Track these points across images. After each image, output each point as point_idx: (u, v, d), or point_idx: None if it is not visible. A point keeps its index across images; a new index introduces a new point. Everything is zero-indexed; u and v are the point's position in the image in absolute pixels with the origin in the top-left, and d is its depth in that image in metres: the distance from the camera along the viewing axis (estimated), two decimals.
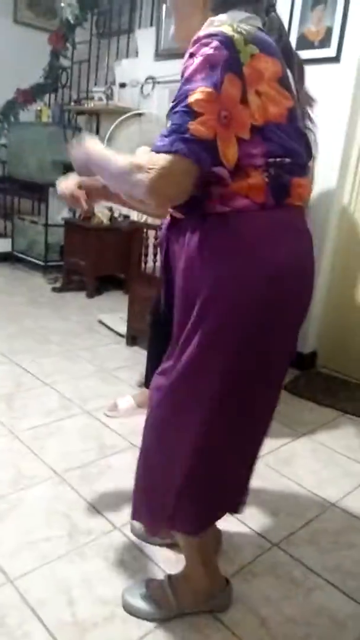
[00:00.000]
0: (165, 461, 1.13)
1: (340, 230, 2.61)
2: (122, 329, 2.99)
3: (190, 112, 0.86)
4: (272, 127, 0.93)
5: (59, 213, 4.31)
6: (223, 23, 0.92)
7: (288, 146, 0.95)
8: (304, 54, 2.42)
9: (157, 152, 0.88)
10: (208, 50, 0.87)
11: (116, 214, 3.89)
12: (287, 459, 1.94)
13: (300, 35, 2.45)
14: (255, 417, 1.10)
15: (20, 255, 4.50)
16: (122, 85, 3.86)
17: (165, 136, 0.88)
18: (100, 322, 3.26)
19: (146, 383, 2.10)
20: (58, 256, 4.26)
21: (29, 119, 4.55)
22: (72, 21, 4.10)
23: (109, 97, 3.90)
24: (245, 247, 0.95)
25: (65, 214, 4.23)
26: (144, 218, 2.81)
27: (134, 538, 1.47)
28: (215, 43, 0.87)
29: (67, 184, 1.23)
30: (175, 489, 1.12)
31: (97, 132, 4.30)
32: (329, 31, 2.35)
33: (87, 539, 1.46)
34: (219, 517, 1.23)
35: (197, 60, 0.87)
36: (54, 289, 3.92)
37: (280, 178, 0.95)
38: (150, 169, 0.87)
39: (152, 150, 0.90)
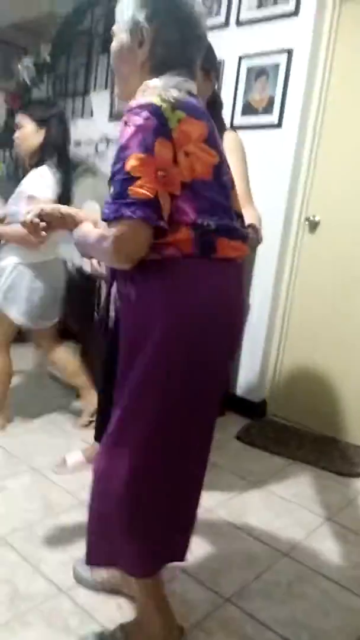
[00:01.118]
0: (106, 501, 1.16)
1: (291, 285, 2.72)
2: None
3: (129, 178, 0.95)
4: (199, 183, 1.03)
5: None
6: (154, 90, 1.01)
7: (215, 200, 1.05)
8: (249, 120, 2.61)
9: (107, 219, 0.98)
10: (139, 120, 0.96)
11: (69, 265, 3.90)
12: (239, 510, 1.91)
13: (245, 103, 2.63)
14: (191, 452, 1.16)
15: None
16: (77, 143, 3.98)
17: (111, 203, 0.98)
18: (51, 374, 3.19)
19: (96, 436, 2.04)
20: None
21: None
22: (29, 83, 4.25)
23: None
24: (172, 289, 1.05)
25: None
26: (100, 269, 2.83)
27: (80, 601, 1.39)
28: (145, 113, 0.96)
29: (30, 213, 1.25)
30: (119, 528, 1.15)
31: None
32: (271, 100, 2.54)
33: (29, 604, 1.37)
34: (165, 559, 1.23)
35: (130, 129, 0.97)
36: None
37: (206, 237, 1.04)
38: (108, 237, 0.99)
39: (102, 219, 1.00)
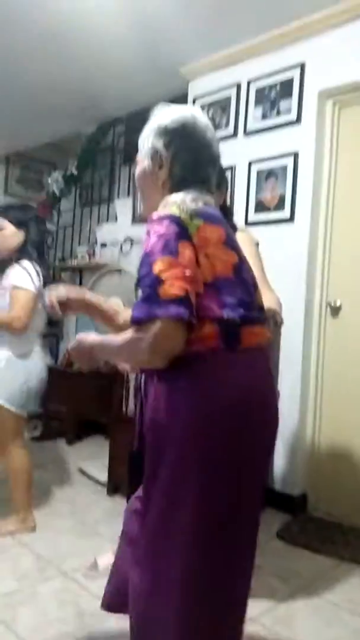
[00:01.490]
0: (153, 617, 1.12)
1: (319, 370, 2.70)
2: (103, 476, 2.88)
3: (158, 280, 1.01)
4: (222, 281, 1.09)
5: None
6: (173, 204, 1.10)
7: (237, 296, 1.10)
8: (262, 217, 2.76)
9: (139, 321, 1.02)
10: (161, 229, 1.05)
11: None
12: (285, 619, 1.77)
13: (257, 202, 2.80)
14: (235, 556, 1.10)
15: None
16: (103, 245, 4.24)
17: (141, 306, 1.02)
18: (81, 470, 3.14)
19: None
20: (39, 404, 4.22)
21: None
22: (57, 194, 4.63)
23: (91, 255, 4.26)
24: (198, 386, 1.06)
25: (47, 361, 4.30)
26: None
27: None
28: (166, 222, 1.06)
29: (52, 294, 1.37)
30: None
31: (80, 285, 4.59)
32: (282, 197, 2.70)
33: None
34: None
35: (154, 237, 1.05)
36: (33, 439, 3.83)
37: (231, 329, 1.08)
38: (142, 338, 1.02)
39: (133, 320, 1.03)
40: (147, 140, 1.22)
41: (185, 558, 1.07)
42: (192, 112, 1.22)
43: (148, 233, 1.08)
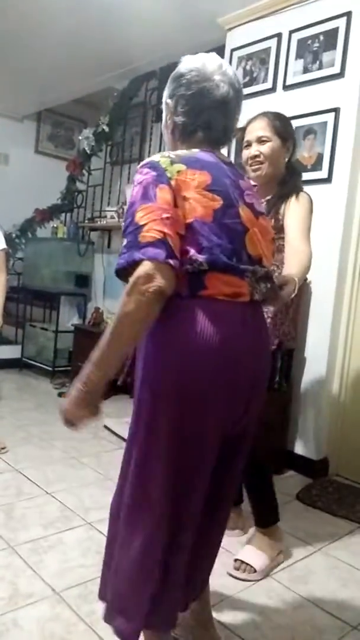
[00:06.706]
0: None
1: (349, 337, 2.66)
2: (127, 434, 2.93)
3: (137, 226, 1.03)
4: (199, 222, 1.08)
5: (69, 320, 4.45)
6: (160, 153, 1.14)
7: (211, 239, 1.08)
8: None
9: (123, 267, 1.03)
10: (141, 176, 1.09)
11: None
12: (302, 577, 1.80)
13: (294, 161, 2.69)
14: (190, 497, 1.18)
15: (29, 361, 4.57)
16: None
17: (124, 253, 1.04)
18: (106, 427, 3.21)
19: None
20: (66, 361, 4.32)
21: (45, 236, 4.89)
22: (88, 151, 4.56)
23: (120, 215, 4.22)
24: (161, 332, 1.09)
25: (75, 320, 4.36)
26: None
27: None
28: (145, 169, 1.09)
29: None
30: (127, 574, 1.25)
31: (109, 246, 4.58)
32: (320, 157, 2.60)
33: None
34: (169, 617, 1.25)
35: (136, 186, 1.09)
36: (61, 394, 3.92)
37: (196, 273, 1.07)
38: (129, 288, 1.02)
39: (116, 270, 1.06)
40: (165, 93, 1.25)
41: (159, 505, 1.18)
42: (203, 57, 1.20)
43: (134, 182, 1.10)
